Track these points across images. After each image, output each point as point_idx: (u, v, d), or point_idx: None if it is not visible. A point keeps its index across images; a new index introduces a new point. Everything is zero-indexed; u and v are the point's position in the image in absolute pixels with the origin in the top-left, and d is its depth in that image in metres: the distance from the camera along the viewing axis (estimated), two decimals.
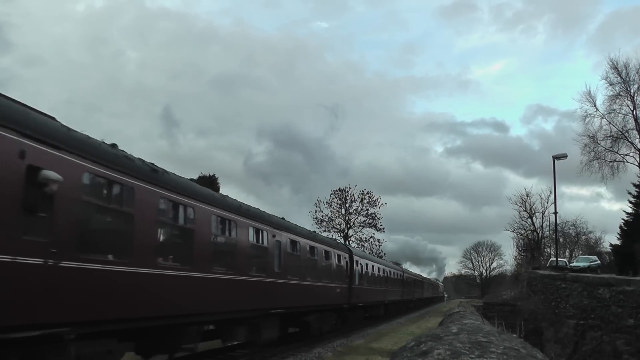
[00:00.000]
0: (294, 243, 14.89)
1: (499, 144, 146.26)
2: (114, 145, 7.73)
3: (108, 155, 7.25)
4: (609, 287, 20.35)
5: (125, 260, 7.34)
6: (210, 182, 27.09)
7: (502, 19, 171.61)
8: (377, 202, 53.26)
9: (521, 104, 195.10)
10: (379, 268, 27.95)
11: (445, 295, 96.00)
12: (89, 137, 7.11)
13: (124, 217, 7.58)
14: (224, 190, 28.55)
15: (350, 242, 53.07)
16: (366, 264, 24.82)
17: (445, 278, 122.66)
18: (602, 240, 58.84)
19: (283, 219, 15.12)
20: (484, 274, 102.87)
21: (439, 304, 70.51)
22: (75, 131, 6.85)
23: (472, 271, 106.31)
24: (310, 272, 16.16)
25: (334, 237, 52.12)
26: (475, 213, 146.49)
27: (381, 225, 53.34)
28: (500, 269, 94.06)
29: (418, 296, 47.20)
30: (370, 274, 25.44)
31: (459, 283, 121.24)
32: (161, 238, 8.68)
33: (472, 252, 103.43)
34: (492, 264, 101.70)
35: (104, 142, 7.49)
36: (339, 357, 14.66)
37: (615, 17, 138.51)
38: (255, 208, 13.13)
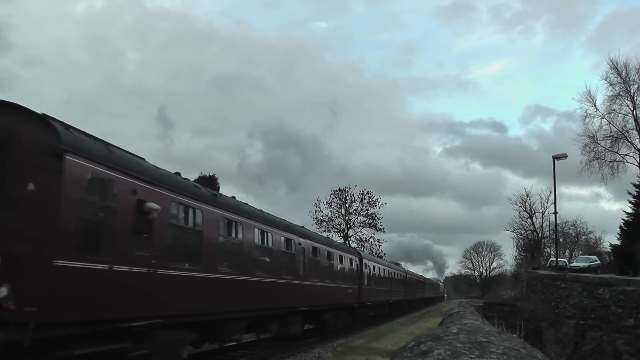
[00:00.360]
0: (314, 249, 16.82)
1: (498, 144, 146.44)
2: (186, 179, 9.97)
3: (184, 187, 9.43)
4: (609, 287, 20.35)
5: (196, 268, 9.35)
6: (210, 182, 27.07)
7: (501, 19, 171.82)
8: (377, 202, 53.29)
9: (520, 104, 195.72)
10: (384, 270, 29.60)
11: (445, 295, 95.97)
12: (169, 173, 9.40)
13: (195, 234, 9.64)
14: (223, 190, 28.57)
15: (350, 242, 53.10)
16: (373, 266, 26.49)
17: (446, 278, 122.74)
18: (602, 241, 58.89)
19: (303, 227, 17.37)
20: (484, 274, 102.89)
21: (439, 304, 70.51)
22: (163, 170, 9.15)
23: (472, 271, 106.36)
24: (327, 275, 18.15)
25: (333, 236, 52.35)
26: (474, 213, 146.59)
27: (381, 225, 53.37)
28: (500, 269, 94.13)
29: (420, 296, 48.94)
30: (377, 276, 27.06)
31: (459, 283, 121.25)
32: (220, 249, 10.47)
33: (472, 252, 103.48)
34: (492, 264, 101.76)
35: (179, 176, 9.80)
36: (338, 357, 14.65)
37: (614, 17, 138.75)
38: (284, 220, 15.24)
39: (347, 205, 53.28)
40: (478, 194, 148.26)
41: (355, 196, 53.18)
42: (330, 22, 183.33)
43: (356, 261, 22.63)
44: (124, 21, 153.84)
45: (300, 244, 15.43)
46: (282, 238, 14.05)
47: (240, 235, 11.41)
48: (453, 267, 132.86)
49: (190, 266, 9.20)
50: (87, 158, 6.82)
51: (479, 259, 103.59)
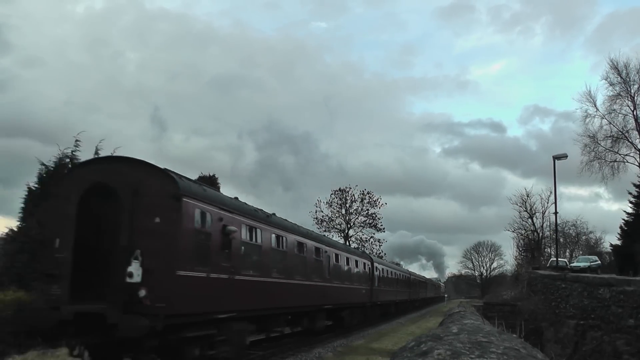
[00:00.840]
0: (336, 255, 19.70)
1: (497, 145, 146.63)
2: (244, 203, 12.66)
3: (249, 211, 12.21)
4: (609, 287, 20.33)
5: (257, 273, 12.11)
6: (210, 182, 27.02)
7: (500, 20, 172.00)
8: (378, 202, 53.23)
9: (519, 104, 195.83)
10: (391, 272, 32.59)
11: (446, 295, 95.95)
12: (240, 202, 12.36)
13: (256, 247, 12.41)
14: (223, 190, 28.53)
15: (351, 242, 53.07)
16: (382, 269, 29.23)
17: (447, 278, 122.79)
18: (602, 241, 58.85)
19: (324, 235, 22.04)
20: (484, 274, 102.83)
21: (439, 304, 70.51)
22: (235, 200, 12.22)
23: (473, 271, 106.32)
24: (346, 277, 20.91)
25: (334, 236, 52.34)
26: (473, 213, 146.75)
27: (381, 225, 53.32)
28: (501, 269, 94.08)
29: (422, 296, 52.48)
30: (385, 277, 29.63)
31: (459, 283, 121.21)
32: (272, 258, 13.24)
33: (472, 252, 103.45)
34: (492, 264, 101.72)
35: (245, 204, 12.66)
36: (339, 357, 14.66)
37: (613, 18, 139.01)
38: (314, 232, 19.08)
39: (347, 206, 53.24)
40: (477, 194, 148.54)
41: (356, 196, 53.16)
42: (330, 23, 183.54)
43: (368, 265, 25.21)
44: (124, 22, 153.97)
45: (326, 251, 18.21)
46: (313, 247, 16.79)
47: (284, 246, 14.17)
48: (453, 267, 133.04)
49: (253, 272, 11.93)
50: (194, 198, 9.51)
51: (480, 259, 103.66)
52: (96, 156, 15.56)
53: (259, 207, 13.73)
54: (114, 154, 14.55)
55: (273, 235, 13.29)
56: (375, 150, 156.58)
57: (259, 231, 12.32)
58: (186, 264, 9.08)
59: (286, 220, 15.43)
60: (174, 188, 9.08)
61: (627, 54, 54.95)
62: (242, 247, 11.41)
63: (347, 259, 21.34)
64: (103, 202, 9.24)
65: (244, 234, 11.56)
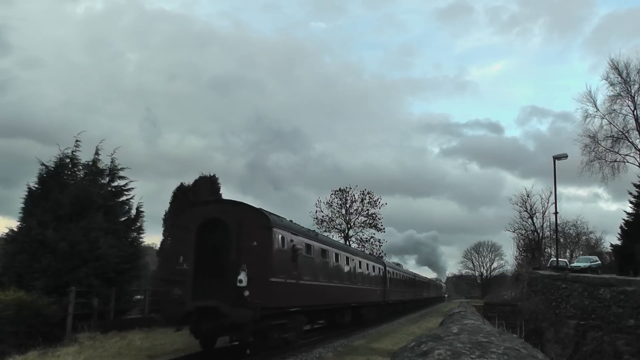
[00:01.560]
0: (359, 262, 23.51)
1: (495, 145, 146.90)
2: (301, 226, 16.71)
3: (305, 232, 16.51)
4: (610, 287, 20.31)
5: (312, 279, 15.87)
6: (210, 182, 27.08)
7: (499, 21, 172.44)
8: (378, 203, 53.17)
9: (517, 105, 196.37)
10: (400, 274, 37.10)
11: (446, 295, 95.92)
12: (300, 227, 16.40)
13: (310, 259, 16.05)
14: (223, 190, 28.57)
15: (351, 242, 53.04)
16: (393, 272, 33.51)
17: (447, 278, 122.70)
18: (602, 241, 58.82)
19: (348, 245, 27.01)
20: (485, 274, 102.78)
21: (440, 304, 70.53)
22: (297, 225, 16.14)
23: (473, 271, 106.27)
24: (366, 280, 24.62)
25: (334, 237, 52.29)
26: (473, 213, 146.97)
27: (382, 225, 53.27)
28: (501, 269, 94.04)
29: (425, 296, 56.71)
30: (395, 280, 33.56)
31: (459, 283, 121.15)
32: (319, 267, 17.10)
33: (472, 252, 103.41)
34: (492, 264, 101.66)
35: (302, 227, 16.80)
36: (339, 357, 14.65)
37: (611, 19, 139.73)
38: (345, 244, 24.05)
39: (347, 206, 53.17)
40: (476, 195, 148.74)
41: (356, 196, 53.08)
42: (329, 24, 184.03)
43: (382, 269, 29.22)
44: (124, 23, 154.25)
45: (352, 259, 22.01)
46: (345, 256, 20.71)
47: (326, 257, 18.05)
48: (453, 267, 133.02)
49: (309, 278, 15.58)
50: (278, 227, 13.49)
51: (480, 259, 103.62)
52: (213, 198, 21.27)
53: (334, 239, 19.98)
54: (219, 198, 21.06)
55: (320, 249, 17.35)
56: (374, 150, 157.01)
57: (311, 247, 16.28)
58: (274, 273, 12.93)
59: (326, 236, 22.29)
60: (266, 221, 13.16)
61: (626, 54, 54.96)
62: (303, 260, 15.27)
63: (367, 265, 25.24)
64: (215, 231, 12.95)
65: (304, 249, 15.50)
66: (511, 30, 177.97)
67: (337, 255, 19.45)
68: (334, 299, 18.84)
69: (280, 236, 13.45)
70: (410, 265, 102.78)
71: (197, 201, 16.18)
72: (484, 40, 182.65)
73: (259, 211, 13.50)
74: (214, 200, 17.11)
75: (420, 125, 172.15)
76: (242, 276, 12.21)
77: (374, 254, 50.22)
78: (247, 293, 12.07)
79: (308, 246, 15.84)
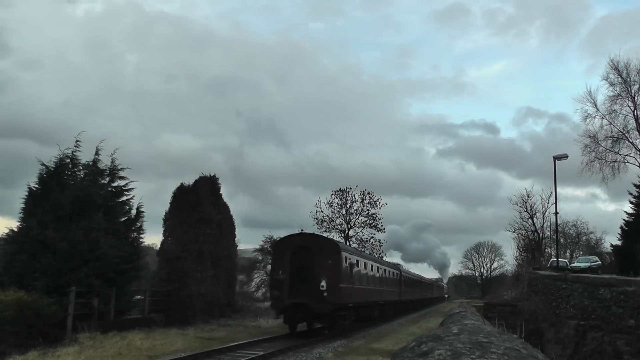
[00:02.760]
0: (385, 270, 30.55)
1: (492, 146, 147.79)
2: (351, 247, 28.95)
3: (356, 251, 27.31)
4: (610, 287, 20.29)
5: (360, 284, 22.77)
6: (211, 182, 27.04)
7: (496, 23, 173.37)
8: (378, 203, 53.15)
9: (513, 106, 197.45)
10: (411, 278, 44.88)
11: (446, 296, 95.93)
12: (355, 248, 33.07)
13: (358, 271, 22.62)
14: (223, 190, 28.64)
15: (351, 242, 52.99)
16: (406, 276, 41.27)
17: (448, 279, 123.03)
18: (602, 241, 58.73)
19: (381, 257, 36.85)
20: (485, 275, 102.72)
21: (440, 304, 70.56)
22: (354, 248, 33.07)
23: (473, 271, 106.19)
24: (388, 284, 31.25)
25: (334, 237, 52.22)
26: (471, 214, 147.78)
27: (382, 225, 53.27)
28: (501, 270, 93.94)
29: (430, 295, 63.71)
30: (407, 282, 41.03)
31: (459, 283, 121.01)
32: (363, 275, 23.46)
33: (472, 252, 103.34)
34: (492, 264, 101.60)
35: (356, 248, 32.20)
36: (339, 358, 14.64)
37: (607, 21, 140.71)
38: (377, 257, 35.06)
39: (347, 206, 53.12)
40: (474, 195, 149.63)
41: (356, 196, 53.03)
42: (327, 26, 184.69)
43: (398, 274, 35.95)
44: (123, 24, 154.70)
45: (380, 268, 28.98)
46: (377, 266, 27.87)
47: (366, 267, 24.71)
48: (453, 267, 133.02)
49: (359, 284, 22.44)
50: (343, 251, 20.55)
51: (480, 259, 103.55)
52: (301, 232, 25.81)
53: (371, 254, 30.33)
54: (305, 231, 25.01)
55: (364, 262, 24.32)
56: (372, 151, 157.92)
57: (359, 261, 23.38)
58: (342, 281, 19.55)
59: (366, 253, 32.92)
60: (337, 247, 20.40)
61: (624, 55, 54.75)
62: (355, 271, 21.86)
63: (389, 272, 32.21)
64: (303, 253, 19.38)
65: (356, 264, 22.10)
66: (508, 32, 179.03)
67: (372, 266, 26.42)
68: (371, 298, 25.66)
69: (344, 256, 20.37)
70: (424, 267, 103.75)
71: (290, 234, 21.97)
72: (480, 42, 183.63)
73: (332, 240, 22.97)
74: (302, 234, 22.78)
75: (418, 126, 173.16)
76: (323, 283, 18.79)
77: (374, 254, 50.84)
78: (326, 294, 18.69)
79: (357, 261, 22.69)
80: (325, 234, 48.15)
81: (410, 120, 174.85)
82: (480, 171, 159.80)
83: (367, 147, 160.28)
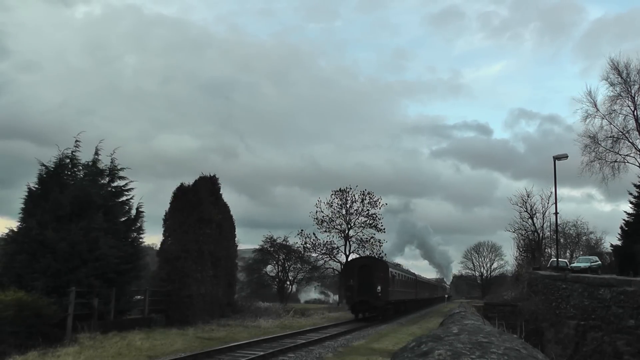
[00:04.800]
0: (408, 277, 41.88)
1: (486, 147, 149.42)
2: (393, 263, 42.43)
3: (394, 265, 40.25)
4: (610, 287, 20.29)
5: (396, 288, 34.34)
6: (211, 182, 27.05)
7: (490, 26, 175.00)
8: (378, 203, 53.24)
9: (508, 107, 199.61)
10: (422, 281, 54.34)
11: (446, 296, 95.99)
12: (395, 263, 46.01)
13: (397, 280, 35.41)
14: (222, 190, 28.63)
15: (351, 242, 53.08)
16: (419, 280, 51.07)
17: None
18: (602, 241, 58.72)
19: (381, 257, 44.36)
20: (485, 275, 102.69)
21: (440, 304, 70.63)
22: (395, 263, 45.53)
23: (473, 272, 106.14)
24: (409, 286, 41.76)
25: (334, 237, 52.58)
26: (467, 214, 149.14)
27: (382, 225, 53.36)
28: (501, 270, 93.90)
29: (436, 295, 73.13)
30: (420, 284, 51.17)
31: (459, 283, 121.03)
32: (398, 281, 35.36)
33: (472, 252, 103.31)
34: (492, 264, 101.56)
35: (395, 264, 44.18)
36: (339, 358, 14.63)
37: (600, 24, 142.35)
38: (402, 267, 46.83)
39: (347, 206, 53.16)
40: (470, 195, 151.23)
41: (356, 197, 53.10)
42: (324, 28, 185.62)
43: (413, 278, 46.21)
44: (122, 27, 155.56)
45: (404, 275, 39.30)
46: (403, 274, 39.04)
47: (399, 277, 35.85)
48: (453, 268, 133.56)
49: (396, 287, 33.54)
50: (390, 268, 33.08)
51: (480, 259, 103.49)
52: (365, 256, 42.22)
53: (405, 268, 46.02)
54: (369, 255, 43.08)
55: (399, 274, 35.60)
56: (368, 151, 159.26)
57: (398, 274, 35.40)
58: (389, 287, 30.55)
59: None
60: (386, 266, 32.27)
61: (622, 56, 54.74)
62: (396, 280, 33.24)
63: (408, 277, 42.18)
64: (365, 269, 30.46)
65: (397, 275, 34.06)
66: (503, 35, 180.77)
67: (402, 275, 38.55)
68: (402, 297, 36.56)
69: (390, 270, 31.97)
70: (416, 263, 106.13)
71: (357, 257, 37.38)
72: (476, 44, 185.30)
73: (384, 261, 35.68)
74: (364, 257, 40.25)
75: (414, 127, 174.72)
76: (379, 288, 29.42)
77: (375, 254, 51.22)
78: (380, 294, 29.43)
79: (397, 273, 35.09)
80: (325, 234, 51.91)
81: (406, 122, 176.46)
82: (475, 172, 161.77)
83: (364, 148, 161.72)
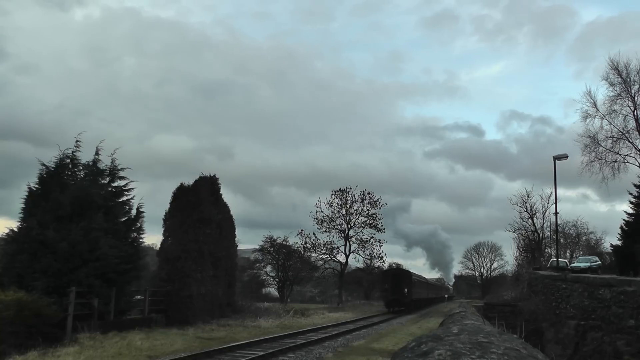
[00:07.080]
0: (420, 280, 55.40)
1: (479, 148, 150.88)
2: (414, 273, 56.37)
3: (415, 274, 54.14)
4: (610, 287, 20.29)
5: (414, 289, 46.97)
6: (211, 182, 27.05)
7: (484, 29, 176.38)
8: (378, 203, 53.31)
9: (503, 109, 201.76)
10: (431, 283, 69.03)
11: (446, 296, 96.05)
12: (415, 273, 58.73)
13: (415, 283, 49.03)
14: (222, 191, 28.68)
15: (351, 242, 53.14)
16: (430, 282, 65.97)
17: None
18: (602, 241, 58.72)
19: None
20: (485, 275, 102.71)
21: (440, 304, 70.70)
22: (415, 273, 58.41)
23: (473, 271, 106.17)
24: (423, 287, 56.12)
25: (334, 237, 52.77)
26: (463, 214, 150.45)
27: (382, 225, 53.48)
28: (501, 270, 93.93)
29: (441, 295, 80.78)
30: (432, 285, 65.52)
31: (459, 283, 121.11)
32: (416, 284, 48.94)
33: (472, 252, 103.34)
34: (492, 264, 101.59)
35: (417, 273, 59.60)
36: (339, 358, 14.64)
37: (592, 28, 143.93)
38: (418, 274, 61.97)
39: (347, 206, 53.18)
40: (465, 196, 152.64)
41: (356, 196, 53.14)
42: (320, 31, 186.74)
43: (426, 281, 57.69)
44: (121, 30, 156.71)
45: (420, 279, 54.64)
46: (417, 279, 52.42)
47: (421, 282, 54.16)
48: (453, 267, 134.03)
49: (416, 290, 47.47)
50: (413, 277, 48.79)
51: (480, 259, 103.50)
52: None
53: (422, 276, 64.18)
54: (400, 267, 61.17)
55: (418, 279, 52.87)
56: (363, 152, 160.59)
57: (418, 279, 52.98)
58: (413, 288, 45.17)
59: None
60: (410, 275, 47.87)
61: (617, 58, 54.83)
62: (417, 285, 49.14)
63: (421, 281, 54.12)
64: (397, 278, 45.09)
65: (418, 281, 51.32)
66: (496, 38, 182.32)
67: (418, 280, 49.89)
68: (420, 296, 49.55)
69: (413, 278, 46.89)
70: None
71: (390, 268, 52.60)
72: (470, 47, 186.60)
73: (409, 272, 50.15)
74: (396, 268, 57.40)
75: (409, 128, 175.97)
76: (405, 290, 43.14)
77: (375, 254, 52.07)
78: (407, 294, 43.19)
79: (417, 279, 50.28)
80: (325, 234, 54.17)
81: (403, 123, 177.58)
82: (469, 172, 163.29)
83: (360, 149, 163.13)
